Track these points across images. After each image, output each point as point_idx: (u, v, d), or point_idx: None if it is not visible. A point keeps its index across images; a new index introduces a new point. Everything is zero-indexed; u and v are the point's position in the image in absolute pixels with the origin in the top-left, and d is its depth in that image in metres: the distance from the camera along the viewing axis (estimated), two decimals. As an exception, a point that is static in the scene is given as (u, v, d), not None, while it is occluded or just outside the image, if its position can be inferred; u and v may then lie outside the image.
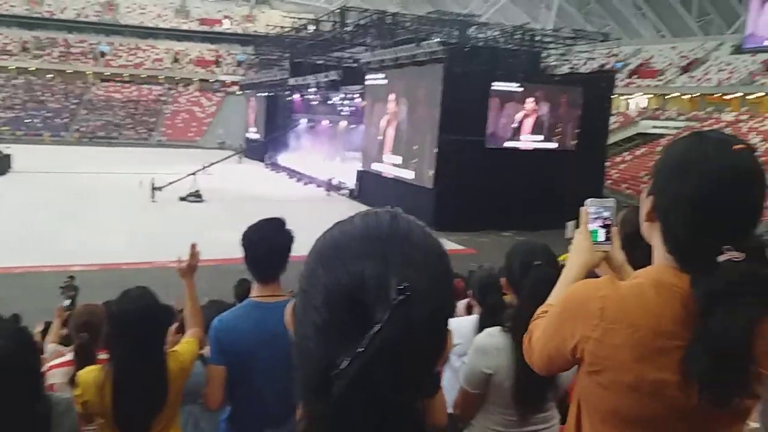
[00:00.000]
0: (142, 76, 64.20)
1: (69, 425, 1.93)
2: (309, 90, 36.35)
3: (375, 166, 27.95)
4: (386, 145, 26.75)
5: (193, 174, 27.77)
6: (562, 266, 1.48)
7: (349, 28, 29.63)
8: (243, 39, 63.20)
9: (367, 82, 28.84)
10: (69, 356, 2.84)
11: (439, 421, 2.04)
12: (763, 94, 37.31)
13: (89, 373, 2.30)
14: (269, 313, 2.25)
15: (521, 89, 23.86)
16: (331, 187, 30.79)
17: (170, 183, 26.52)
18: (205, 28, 69.28)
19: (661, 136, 35.25)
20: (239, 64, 63.19)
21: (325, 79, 32.74)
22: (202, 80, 65.53)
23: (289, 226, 2.39)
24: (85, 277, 12.14)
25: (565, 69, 27.68)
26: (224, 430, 2.47)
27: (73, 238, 17.67)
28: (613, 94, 27.78)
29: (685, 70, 43.30)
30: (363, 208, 0.74)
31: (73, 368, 2.59)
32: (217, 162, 33.41)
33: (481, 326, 2.50)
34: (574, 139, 24.73)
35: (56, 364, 2.83)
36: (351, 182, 30.14)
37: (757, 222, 1.13)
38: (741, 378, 1.05)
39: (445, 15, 28.21)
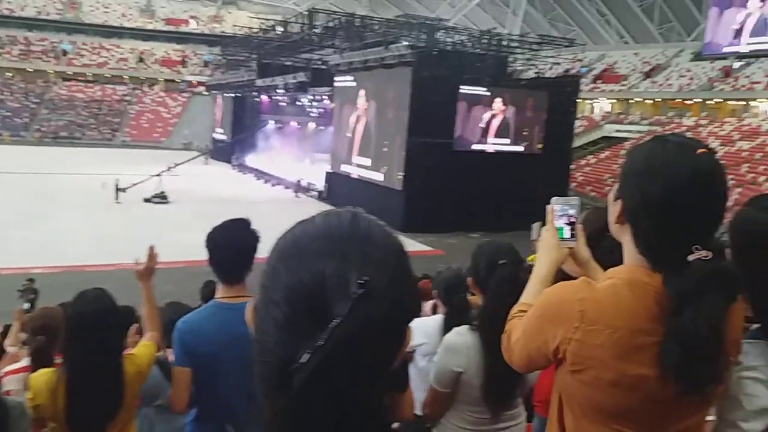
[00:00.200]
0: (106, 75, 62.92)
1: (24, 429, 1.88)
2: (277, 91, 36.12)
3: (344, 168, 27.91)
4: (355, 147, 26.73)
5: (159, 175, 27.35)
6: (530, 266, 1.51)
7: (317, 30, 29.54)
8: (210, 39, 62.47)
9: (335, 84, 28.79)
10: (25, 361, 2.77)
11: (406, 416, 2.06)
12: (722, 100, 38.40)
13: (41, 377, 2.25)
14: (234, 314, 2.22)
15: (488, 93, 24.13)
16: (299, 188, 30.63)
17: (135, 184, 26.07)
18: (171, 28, 68.29)
19: (625, 139, 36.00)
20: (206, 64, 62.45)
21: (294, 81, 32.58)
22: (167, 80, 64.53)
23: (256, 227, 2.37)
24: (46, 279, 11.85)
25: (531, 73, 28.03)
26: (190, 432, 2.44)
27: (34, 240, 17.23)
28: (578, 99, 28.31)
29: (648, 75, 44.31)
30: (372, 217, 0.74)
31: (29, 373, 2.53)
32: (183, 163, 32.97)
33: (447, 326, 2.52)
34: (540, 143, 25.08)
35: (12, 370, 2.76)
36: (320, 184, 30.04)
37: (720, 221, 1.17)
38: (712, 368, 1.11)
39: (414, 19, 28.34)
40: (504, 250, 2.17)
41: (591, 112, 44.57)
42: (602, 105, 45.46)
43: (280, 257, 0.69)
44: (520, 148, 24.97)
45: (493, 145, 24.60)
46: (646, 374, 1.15)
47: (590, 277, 1.47)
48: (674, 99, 41.03)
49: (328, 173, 29.45)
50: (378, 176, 25.01)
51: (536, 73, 27.96)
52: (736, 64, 39.62)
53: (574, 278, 1.51)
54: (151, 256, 2.62)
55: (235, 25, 49.31)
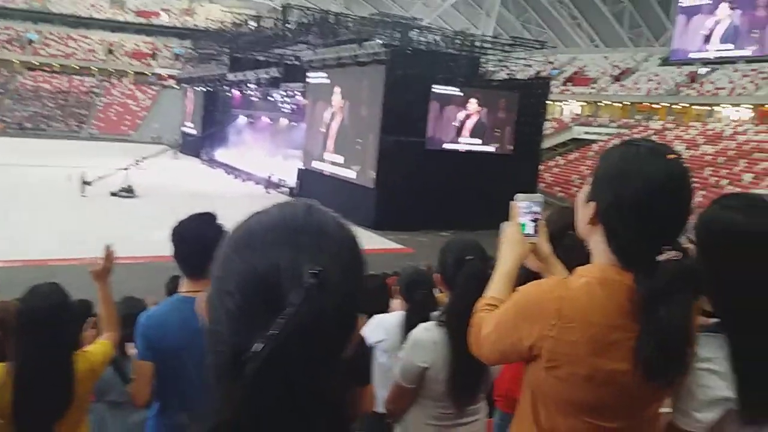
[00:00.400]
0: (74, 66, 61.58)
1: None
2: (249, 86, 35.77)
3: (316, 165, 27.79)
4: (330, 144, 26.63)
5: (126, 168, 26.86)
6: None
7: (291, 26, 29.34)
8: (181, 32, 61.60)
9: (308, 80, 28.65)
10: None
11: (367, 409, 2.06)
12: (687, 104, 39.26)
13: None
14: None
15: (461, 93, 24.27)
16: (270, 184, 30.40)
17: (101, 177, 25.57)
18: (142, 20, 67.16)
19: (593, 141, 36.55)
20: (177, 57, 61.55)
21: (266, 76, 32.31)
22: (137, 73, 63.46)
23: (224, 222, 2.34)
24: (6, 274, 11.55)
25: (503, 75, 28.29)
26: (153, 427, 2.41)
27: (-5, 234, 16.80)
28: (548, 101, 28.60)
29: (617, 79, 45.07)
30: (327, 210, 0.74)
31: None
32: (151, 156, 32.47)
33: (408, 322, 2.55)
34: (510, 143, 25.31)
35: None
36: (291, 180, 29.87)
37: (686, 223, 1.24)
38: (682, 360, 1.20)
39: (388, 17, 28.33)
40: (471, 246, 2.19)
41: (561, 114, 45.16)
42: (572, 107, 46.10)
43: (233, 247, 0.70)
44: (491, 149, 25.16)
45: (465, 144, 24.75)
46: (619, 369, 1.21)
47: (550, 272, 1.53)
48: (642, 103, 41.82)
49: (299, 170, 29.29)
50: (350, 173, 24.98)
51: (508, 74, 28.23)
52: (702, 70, 40.56)
53: (537, 274, 1.54)
54: (108, 255, 2.54)
55: (207, 19, 48.75)
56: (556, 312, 1.23)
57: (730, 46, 39.66)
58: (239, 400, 0.63)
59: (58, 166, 29.03)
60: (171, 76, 59.01)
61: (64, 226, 18.63)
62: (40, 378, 2.13)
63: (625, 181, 1.21)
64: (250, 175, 33.30)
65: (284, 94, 32.91)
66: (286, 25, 29.67)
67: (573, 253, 1.34)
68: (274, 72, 31.77)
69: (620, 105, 43.23)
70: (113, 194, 24.94)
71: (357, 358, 2.19)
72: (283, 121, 35.82)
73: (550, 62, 47.28)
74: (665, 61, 43.90)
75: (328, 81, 26.94)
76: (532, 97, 26.01)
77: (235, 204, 21.23)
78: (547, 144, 33.42)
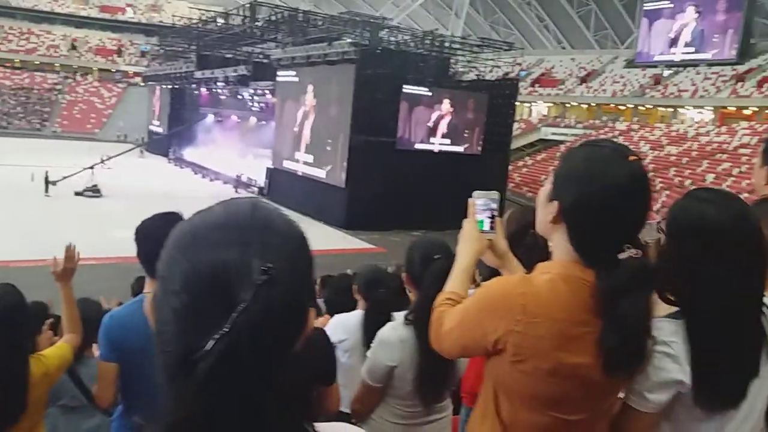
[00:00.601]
0: (36, 62, 60.14)
1: None
2: (217, 84, 35.39)
3: (286, 164, 27.62)
4: (302, 143, 26.48)
5: (91, 168, 26.34)
6: None
7: (259, 24, 29.11)
8: (147, 29, 60.61)
9: (278, 79, 28.46)
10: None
11: (332, 409, 2.06)
12: (652, 106, 40.09)
13: None
14: None
15: (430, 93, 24.38)
16: (239, 184, 30.12)
17: (65, 177, 25.04)
18: (107, 15, 65.89)
19: (561, 142, 37.06)
20: (143, 54, 60.55)
21: (234, 74, 32.00)
22: (102, 70, 62.24)
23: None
24: (-35, 276, 11.22)
25: (472, 75, 28.51)
26: (117, 428, 2.38)
27: (-47, 234, 16.31)
28: (517, 101, 28.93)
29: (583, 80, 45.78)
30: (272, 206, 0.74)
31: None
32: (117, 155, 31.88)
33: (367, 321, 2.55)
34: (480, 144, 25.53)
35: None
36: (261, 180, 29.63)
37: (645, 223, 1.28)
38: (642, 351, 1.26)
39: (357, 16, 28.31)
40: (438, 246, 2.20)
41: (529, 115, 45.71)
42: (539, 108, 46.69)
43: (178, 247, 0.69)
44: (460, 149, 25.34)
45: (435, 145, 24.89)
46: (582, 362, 1.25)
47: (507, 268, 1.56)
48: (608, 104, 42.55)
49: (269, 169, 29.08)
50: (321, 173, 24.89)
51: (477, 75, 28.44)
52: (666, 72, 41.45)
53: (495, 270, 1.58)
54: (70, 256, 2.48)
55: (174, 15, 47.96)
56: (521, 307, 1.26)
57: (692, 48, 40.65)
58: (192, 398, 0.63)
59: (21, 166, 28.31)
60: (137, 74, 58.02)
61: (27, 227, 18.19)
62: None
63: (589, 181, 1.24)
64: (219, 174, 32.95)
65: (253, 92, 32.65)
66: (255, 22, 29.43)
67: (534, 251, 1.37)
68: (242, 70, 31.48)
69: (587, 106, 43.93)
70: (78, 194, 24.45)
71: (321, 358, 2.19)
72: (252, 120, 35.50)
73: (518, 64, 47.73)
74: (630, 63, 44.76)
75: (297, 80, 26.80)
76: (500, 98, 26.28)
77: (202, 203, 20.54)
78: (515, 144, 33.79)
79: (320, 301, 6.54)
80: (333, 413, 2.27)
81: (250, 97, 33.84)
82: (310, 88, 25.72)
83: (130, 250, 2.27)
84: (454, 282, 1.50)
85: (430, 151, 24.60)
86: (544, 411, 1.30)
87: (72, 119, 55.28)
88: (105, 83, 60.53)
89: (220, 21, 33.83)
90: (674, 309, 1.43)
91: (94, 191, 24.88)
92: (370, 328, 2.39)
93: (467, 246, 1.51)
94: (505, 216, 2.01)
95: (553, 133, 39.26)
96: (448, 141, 25.09)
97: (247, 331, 0.62)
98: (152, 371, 2.18)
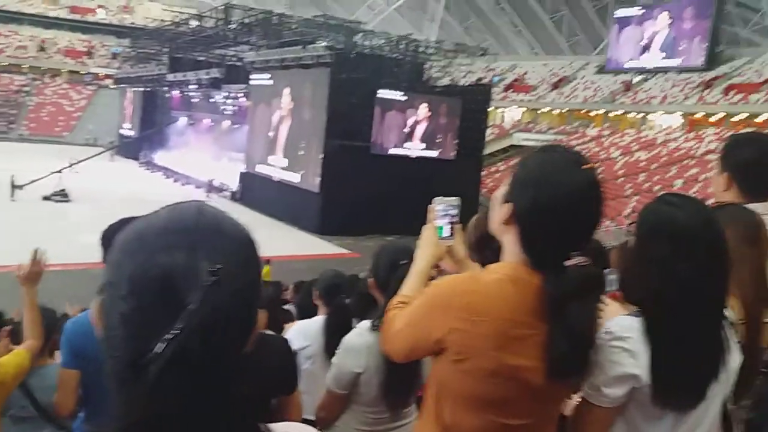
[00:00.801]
0: (3, 63, 58.83)
1: None
2: (189, 87, 35.05)
3: (259, 168, 27.44)
4: (278, 147, 26.33)
5: (59, 171, 25.83)
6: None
7: (233, 26, 28.90)
8: (119, 30, 59.76)
9: (251, 82, 28.28)
10: None
11: (294, 416, 2.04)
12: (622, 112, 40.75)
13: None
14: None
15: (405, 98, 24.46)
16: (211, 188, 29.79)
17: (33, 181, 24.50)
18: (77, 16, 64.79)
19: (533, 148, 37.30)
20: (114, 56, 59.61)
21: (207, 77, 31.71)
22: (71, 72, 61.10)
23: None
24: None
25: (446, 80, 28.67)
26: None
27: None
28: (490, 107, 29.17)
29: (555, 86, 46.36)
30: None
31: None
32: (86, 159, 31.32)
33: (328, 327, 2.54)
34: (453, 149, 25.67)
35: None
36: (233, 184, 29.37)
37: (596, 230, 1.31)
38: (587, 359, 1.27)
39: (332, 20, 28.31)
40: (404, 251, 2.19)
41: (502, 121, 46.08)
42: (512, 114, 47.11)
43: (125, 251, 0.69)
44: (435, 154, 25.46)
45: (411, 149, 24.96)
46: (523, 365, 1.25)
47: None
48: (580, 110, 43.14)
49: (242, 173, 28.85)
50: (295, 177, 24.78)
51: (450, 80, 28.61)
52: (636, 79, 42.20)
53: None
54: (36, 260, 2.43)
55: (146, 17, 47.58)
56: (465, 305, 1.26)
57: (663, 55, 41.49)
58: (143, 402, 0.64)
59: (-15, 168, 27.64)
60: (108, 76, 57.13)
61: (-8, 231, 17.72)
62: None
63: (544, 187, 1.26)
64: (190, 178, 32.56)
65: (226, 95, 32.39)
66: (228, 25, 29.22)
67: (502, 255, 1.38)
68: (215, 73, 31.22)
69: (558, 112, 44.48)
70: (46, 198, 23.95)
71: (281, 366, 2.16)
72: (225, 123, 35.21)
73: (492, 69, 48.23)
74: (601, 70, 45.49)
75: (271, 83, 26.66)
76: (474, 103, 26.47)
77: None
78: (488, 150, 34.05)
79: (292, 307, 6.50)
80: (296, 421, 2.25)
81: (223, 100, 33.56)
82: (285, 91, 25.61)
83: (98, 255, 2.22)
84: (408, 285, 1.52)
85: (405, 156, 24.67)
86: (486, 413, 1.30)
87: (40, 122, 54.20)
88: (74, 85, 59.47)
89: (193, 23, 33.52)
90: (634, 309, 1.47)
91: (62, 196, 24.40)
92: (332, 334, 2.38)
93: (425, 251, 1.52)
94: (472, 219, 2.01)
95: (526, 139, 39.63)
96: (424, 146, 25.20)
97: (196, 333, 0.63)
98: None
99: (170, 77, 36.09)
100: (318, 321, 2.65)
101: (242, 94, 30.22)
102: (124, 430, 0.65)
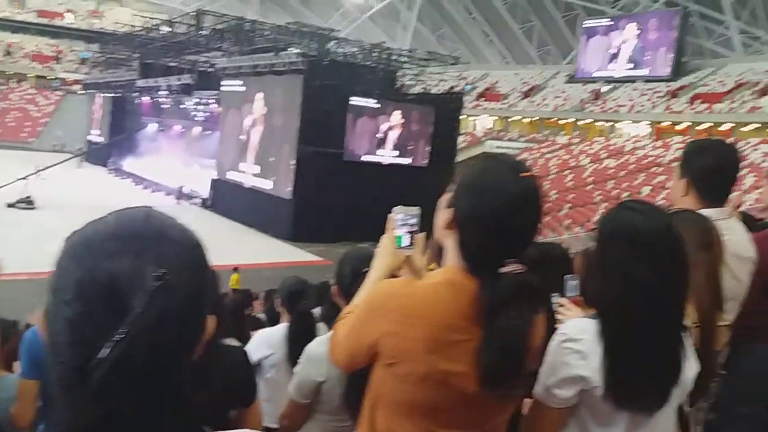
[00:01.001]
0: (-34, 67, 57.57)
1: None
2: (160, 93, 34.62)
3: (231, 175, 27.21)
4: (249, 154, 26.13)
5: (25, 178, 25.27)
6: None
7: (205, 32, 28.66)
8: (88, 35, 58.81)
9: (223, 88, 28.07)
10: None
11: (254, 427, 2.02)
12: (591, 120, 41.41)
13: None
14: None
15: (378, 105, 24.52)
16: (181, 195, 29.43)
17: (-3, 187, 23.95)
18: (45, 20, 63.61)
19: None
20: (83, 61, 58.66)
21: (178, 83, 31.38)
22: (38, 76, 59.92)
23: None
24: None
25: (418, 88, 28.81)
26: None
27: None
28: (462, 115, 29.37)
29: (526, 95, 46.93)
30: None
31: None
32: (53, 165, 30.72)
33: (291, 334, 2.51)
34: (426, 156, 25.80)
35: None
36: (204, 191, 29.06)
37: (534, 238, 1.31)
38: (520, 371, 1.22)
39: (305, 27, 28.25)
40: (368, 258, 2.18)
41: (473, 129, 46.46)
42: (484, 122, 47.54)
43: (71, 257, 0.69)
44: (407, 161, 25.55)
45: (384, 156, 25.01)
46: (455, 370, 1.23)
47: None
48: (550, 118, 43.72)
49: (213, 180, 28.57)
50: (267, 184, 24.62)
51: (423, 88, 28.76)
52: (605, 88, 42.94)
53: None
54: None
55: (116, 23, 46.84)
56: (398, 308, 1.26)
57: (630, 65, 42.33)
58: (89, 407, 0.64)
59: (-53, 175, 26.91)
60: (76, 81, 56.12)
61: (-47, 239, 17.25)
62: None
63: (483, 194, 1.27)
64: (160, 185, 32.11)
65: (197, 101, 32.08)
66: (200, 31, 28.97)
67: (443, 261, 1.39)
68: (186, 79, 30.91)
69: (529, 120, 45.01)
70: (10, 205, 23.40)
71: (237, 377, 2.13)
72: (196, 130, 34.84)
73: (464, 78, 48.63)
74: (571, 79, 46.19)
75: (243, 89, 26.51)
76: (446, 111, 26.64)
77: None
78: (461, 157, 34.26)
79: (262, 315, 6.45)
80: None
81: (194, 107, 33.23)
82: (258, 97, 25.47)
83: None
84: (361, 295, 1.50)
85: (378, 163, 24.71)
86: (420, 421, 1.28)
87: (5, 127, 52.95)
88: (42, 90, 58.32)
89: (165, 29, 33.15)
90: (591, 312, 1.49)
91: (28, 203, 23.87)
92: (295, 342, 2.35)
93: (382, 261, 1.50)
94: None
95: (497, 147, 40.01)
96: (396, 153, 25.27)
97: (142, 338, 0.63)
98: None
99: (140, 83, 35.62)
100: (281, 329, 2.63)
101: (213, 101, 29.96)
102: None
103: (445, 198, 1.36)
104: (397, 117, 24.99)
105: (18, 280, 10.39)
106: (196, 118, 34.18)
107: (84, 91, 49.47)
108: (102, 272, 0.66)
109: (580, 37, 46.20)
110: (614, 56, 43.35)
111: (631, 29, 42.60)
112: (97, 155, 41.18)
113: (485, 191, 1.27)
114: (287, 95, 23.52)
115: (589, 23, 45.55)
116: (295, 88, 22.90)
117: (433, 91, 28.43)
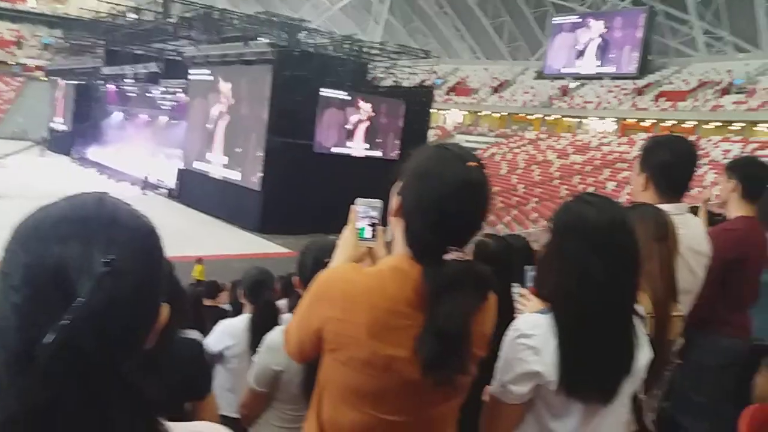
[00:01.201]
0: None
1: None
2: (126, 81, 33.94)
3: (198, 165, 26.84)
4: (216, 144, 25.80)
5: (-17, 166, 24.62)
6: None
7: (173, 20, 28.17)
8: (51, 20, 57.27)
9: (190, 77, 27.64)
10: None
11: (211, 419, 2.01)
12: (559, 116, 41.95)
13: None
14: None
15: (348, 97, 24.43)
16: (147, 185, 28.94)
17: (-47, 175, 23.25)
18: (6, 4, 61.74)
19: (474, 150, 38.03)
20: (45, 47, 57.13)
21: (144, 71, 30.81)
22: (-1, 62, 58.29)
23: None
24: None
25: (389, 81, 28.77)
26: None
27: None
28: (432, 109, 29.46)
29: (496, 90, 47.30)
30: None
31: None
32: (14, 153, 29.96)
33: (253, 325, 2.50)
34: (397, 149, 25.82)
35: None
36: (170, 181, 28.62)
37: (480, 227, 1.31)
38: (460, 357, 1.21)
39: (275, 17, 27.95)
40: (330, 249, 2.18)
41: (444, 123, 46.67)
42: (454, 116, 47.78)
43: (19, 241, 0.68)
44: (378, 153, 25.53)
45: (353, 149, 24.94)
46: (397, 355, 1.23)
47: None
48: (519, 113, 44.15)
49: (180, 170, 28.15)
50: (235, 175, 24.36)
51: (394, 81, 28.75)
52: (572, 84, 43.51)
53: None
54: None
55: (81, 8, 45.65)
56: (341, 293, 1.26)
57: (598, 62, 42.95)
58: (33, 391, 0.63)
59: None
60: (39, 67, 54.66)
61: None
62: None
63: (427, 181, 1.27)
64: (125, 175, 31.51)
65: (164, 90, 31.53)
66: (168, 19, 28.47)
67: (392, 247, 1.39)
68: (153, 67, 30.36)
69: (498, 115, 45.37)
70: (-33, 194, 22.74)
71: (191, 369, 2.10)
72: (163, 119, 34.25)
73: (434, 72, 48.67)
74: (540, 75, 46.68)
75: (211, 78, 26.13)
76: (416, 104, 26.68)
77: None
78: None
79: (228, 306, 6.40)
80: (220, 419, 2.20)
81: (161, 96, 32.67)
82: (226, 87, 25.14)
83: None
84: None
85: (348, 155, 24.63)
86: (363, 407, 1.28)
87: (-37, 114, 51.40)
88: (2, 76, 56.64)
89: (131, 16, 32.48)
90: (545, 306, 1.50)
91: (-14, 191, 23.24)
92: (257, 333, 2.34)
93: (342, 252, 1.49)
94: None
95: (467, 141, 40.27)
96: (367, 146, 25.23)
97: (88, 324, 0.63)
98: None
99: (106, 71, 34.86)
100: (243, 319, 2.61)
101: (181, 90, 29.48)
102: (13, 419, 0.64)
103: (396, 185, 1.36)
104: (366, 109, 24.93)
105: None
106: (162, 107, 33.59)
107: (46, 78, 48.23)
108: (50, 257, 0.65)
109: (549, 33, 46.68)
110: (581, 53, 43.93)
111: (598, 27, 43.20)
112: (60, 143, 40.23)
113: (428, 178, 1.27)
114: (256, 85, 23.27)
115: (558, 20, 46.05)
116: (264, 78, 22.66)
117: (404, 84, 28.42)
